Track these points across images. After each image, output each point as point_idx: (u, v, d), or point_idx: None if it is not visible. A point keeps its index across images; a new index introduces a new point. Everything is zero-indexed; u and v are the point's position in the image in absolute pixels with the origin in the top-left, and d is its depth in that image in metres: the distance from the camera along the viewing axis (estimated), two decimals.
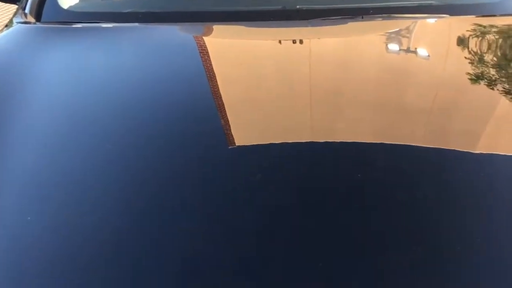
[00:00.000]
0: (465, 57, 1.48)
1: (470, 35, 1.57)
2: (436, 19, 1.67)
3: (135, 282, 0.78)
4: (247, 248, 0.83)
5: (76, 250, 0.83)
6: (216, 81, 1.34)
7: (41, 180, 1.02)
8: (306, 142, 1.13)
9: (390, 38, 1.64)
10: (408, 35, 1.69)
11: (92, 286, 0.78)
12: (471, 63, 1.43)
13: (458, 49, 1.54)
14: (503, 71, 1.45)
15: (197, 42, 1.62)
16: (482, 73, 1.35)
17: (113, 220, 0.89)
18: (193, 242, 0.84)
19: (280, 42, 1.65)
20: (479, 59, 1.45)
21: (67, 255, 0.83)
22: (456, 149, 1.09)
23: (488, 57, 1.52)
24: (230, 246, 0.83)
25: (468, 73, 1.33)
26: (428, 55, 1.56)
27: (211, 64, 1.43)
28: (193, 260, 0.81)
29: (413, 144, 1.11)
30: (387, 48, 1.63)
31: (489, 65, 1.44)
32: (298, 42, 1.56)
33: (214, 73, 1.38)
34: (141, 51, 1.55)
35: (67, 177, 1.02)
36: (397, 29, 1.67)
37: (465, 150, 1.09)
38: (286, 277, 0.78)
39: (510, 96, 1.28)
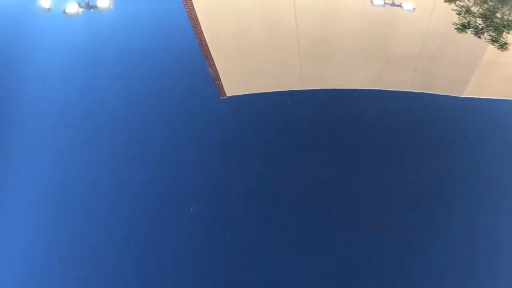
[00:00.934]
0: (452, 9, 1.47)
1: None
2: None
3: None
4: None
5: None
6: (203, 35, 1.32)
7: None
8: (295, 90, 1.13)
9: None
10: None
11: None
12: (458, 14, 1.43)
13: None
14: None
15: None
16: (468, 22, 1.35)
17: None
18: None
19: None
20: (466, 10, 1.44)
21: None
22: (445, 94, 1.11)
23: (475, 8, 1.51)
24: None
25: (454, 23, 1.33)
26: (414, 8, 1.55)
27: (196, 16, 1.40)
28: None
29: (402, 90, 1.12)
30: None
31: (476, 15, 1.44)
32: None
33: (200, 26, 1.36)
34: None
35: None
36: None
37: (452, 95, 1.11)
38: None
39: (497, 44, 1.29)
